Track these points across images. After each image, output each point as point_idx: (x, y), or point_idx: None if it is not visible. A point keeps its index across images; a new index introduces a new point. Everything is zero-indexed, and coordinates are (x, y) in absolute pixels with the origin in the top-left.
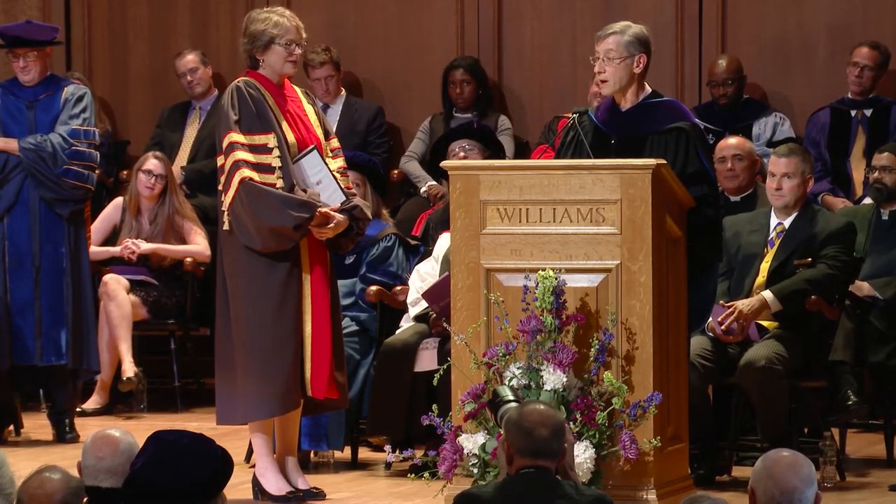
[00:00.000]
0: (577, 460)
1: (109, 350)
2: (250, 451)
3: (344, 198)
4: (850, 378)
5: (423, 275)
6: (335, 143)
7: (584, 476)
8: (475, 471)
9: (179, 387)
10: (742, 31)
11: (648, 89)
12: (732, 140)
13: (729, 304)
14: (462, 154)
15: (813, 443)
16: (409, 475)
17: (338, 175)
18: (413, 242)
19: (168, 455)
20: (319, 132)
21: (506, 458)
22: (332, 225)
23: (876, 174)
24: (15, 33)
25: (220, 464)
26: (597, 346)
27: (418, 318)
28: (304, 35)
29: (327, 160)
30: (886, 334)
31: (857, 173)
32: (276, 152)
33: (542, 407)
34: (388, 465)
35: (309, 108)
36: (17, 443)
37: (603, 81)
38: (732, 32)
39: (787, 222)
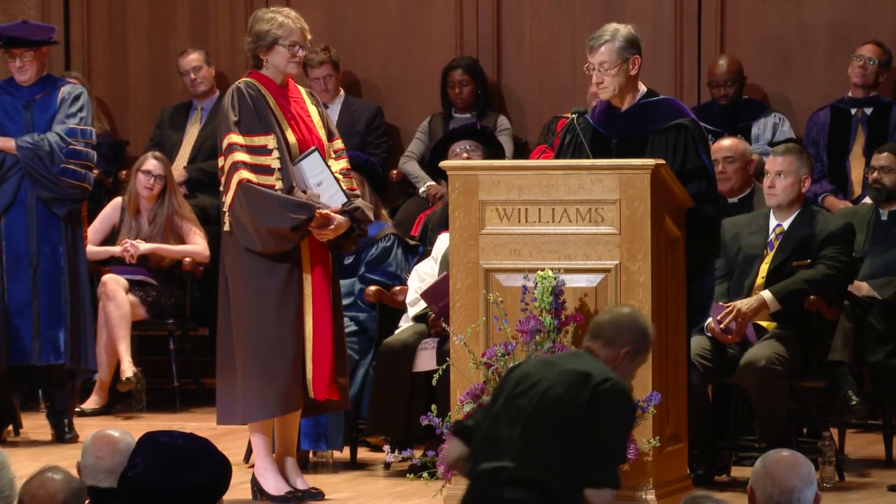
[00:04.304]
0: None
1: (108, 350)
2: (249, 451)
3: (345, 199)
4: (850, 378)
5: (422, 275)
6: (339, 144)
7: None
8: None
9: (178, 387)
10: (741, 30)
11: (643, 88)
12: (725, 142)
13: (728, 304)
14: (465, 155)
15: (812, 443)
16: (408, 475)
17: (340, 177)
18: (412, 242)
19: (168, 459)
20: (322, 133)
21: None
22: (332, 227)
23: (875, 174)
24: (11, 33)
25: (223, 467)
26: None
27: (417, 319)
28: (309, 36)
29: (329, 161)
30: (885, 334)
31: (856, 172)
32: (276, 154)
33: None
34: (388, 466)
35: (313, 109)
36: (17, 443)
37: (602, 88)
38: (732, 32)
39: (786, 223)
